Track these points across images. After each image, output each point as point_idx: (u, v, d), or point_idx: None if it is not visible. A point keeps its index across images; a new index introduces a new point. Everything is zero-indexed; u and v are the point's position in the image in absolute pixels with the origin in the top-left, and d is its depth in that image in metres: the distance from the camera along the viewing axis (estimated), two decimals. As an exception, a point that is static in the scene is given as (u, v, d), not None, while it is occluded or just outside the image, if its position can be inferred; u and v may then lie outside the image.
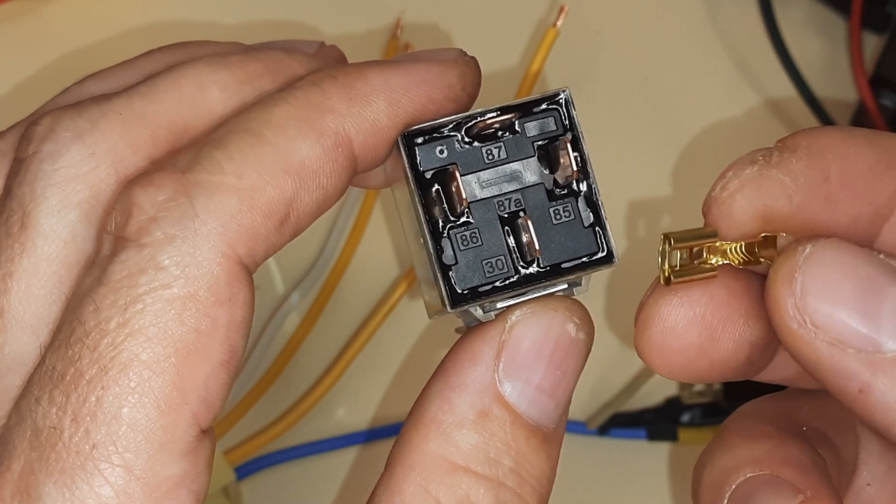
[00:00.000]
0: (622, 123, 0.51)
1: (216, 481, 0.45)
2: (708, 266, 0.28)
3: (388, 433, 0.49)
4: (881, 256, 0.26)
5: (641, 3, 0.54)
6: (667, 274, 0.28)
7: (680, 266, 0.28)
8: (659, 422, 0.48)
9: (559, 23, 0.48)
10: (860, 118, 0.51)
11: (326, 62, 0.30)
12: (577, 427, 0.48)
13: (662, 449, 0.49)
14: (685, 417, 0.48)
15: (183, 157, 0.27)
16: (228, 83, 0.29)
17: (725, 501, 0.28)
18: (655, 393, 0.49)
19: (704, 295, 0.29)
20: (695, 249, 0.28)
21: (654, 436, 0.48)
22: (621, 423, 0.48)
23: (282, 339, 0.49)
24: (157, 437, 0.25)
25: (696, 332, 0.29)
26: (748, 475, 0.28)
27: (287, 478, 0.48)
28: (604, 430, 0.48)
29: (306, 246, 0.51)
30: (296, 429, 0.48)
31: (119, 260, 0.26)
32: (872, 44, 0.52)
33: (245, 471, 0.48)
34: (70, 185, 0.27)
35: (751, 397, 0.47)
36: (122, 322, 0.25)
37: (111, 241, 0.26)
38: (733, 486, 0.28)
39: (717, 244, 0.28)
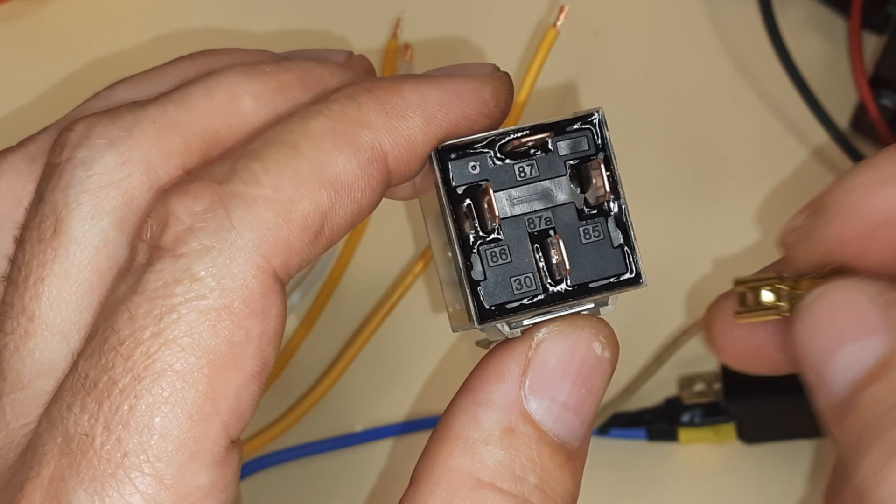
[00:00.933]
0: (622, 123, 0.51)
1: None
2: (774, 307, 0.30)
3: (389, 433, 0.48)
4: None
5: (641, 3, 0.54)
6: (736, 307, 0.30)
7: (746, 307, 0.30)
8: (659, 422, 0.48)
9: (559, 23, 0.48)
10: (860, 118, 0.51)
11: (357, 73, 0.30)
12: (577, 427, 0.48)
13: (662, 449, 0.48)
14: (685, 417, 0.48)
15: (219, 167, 0.27)
16: (261, 93, 0.29)
17: None
18: (655, 393, 0.48)
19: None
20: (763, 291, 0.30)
21: (653, 436, 0.48)
22: (621, 423, 0.48)
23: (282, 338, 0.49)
24: (187, 447, 0.25)
25: (753, 345, 0.31)
26: None
27: (287, 478, 0.48)
28: (603, 430, 0.48)
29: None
30: (296, 429, 0.48)
31: (155, 269, 0.26)
32: (872, 44, 0.52)
33: (245, 471, 0.47)
34: (103, 192, 0.27)
35: (751, 395, 0.47)
36: (156, 332, 0.25)
37: (146, 250, 0.26)
38: None
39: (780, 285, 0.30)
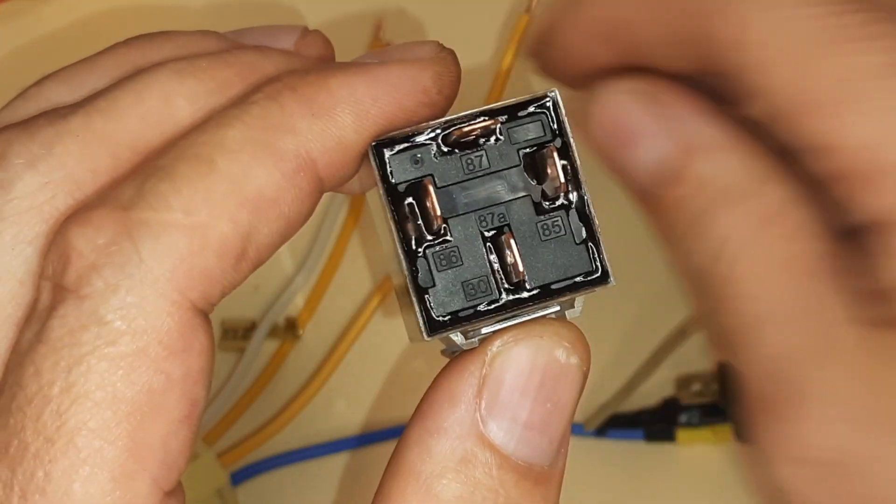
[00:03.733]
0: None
1: (210, 484, 0.44)
2: None
3: (384, 437, 0.47)
4: None
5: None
6: None
7: None
8: (656, 423, 0.47)
9: (532, 8, 0.46)
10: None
11: (305, 61, 0.27)
12: (574, 428, 0.47)
13: (660, 450, 0.47)
14: (683, 418, 0.46)
15: (124, 188, 0.23)
16: (198, 94, 0.25)
17: None
18: (653, 394, 0.47)
19: None
20: None
21: (651, 437, 0.47)
22: (619, 424, 0.47)
23: (277, 341, 0.49)
24: None
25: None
26: None
27: (282, 482, 0.46)
28: (601, 431, 0.46)
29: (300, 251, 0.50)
30: (291, 433, 0.47)
31: (58, 315, 0.23)
32: (871, 42, 0.51)
33: (240, 476, 0.46)
34: (24, 217, 0.24)
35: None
36: (65, 386, 0.22)
37: (49, 291, 0.23)
38: None
39: None
